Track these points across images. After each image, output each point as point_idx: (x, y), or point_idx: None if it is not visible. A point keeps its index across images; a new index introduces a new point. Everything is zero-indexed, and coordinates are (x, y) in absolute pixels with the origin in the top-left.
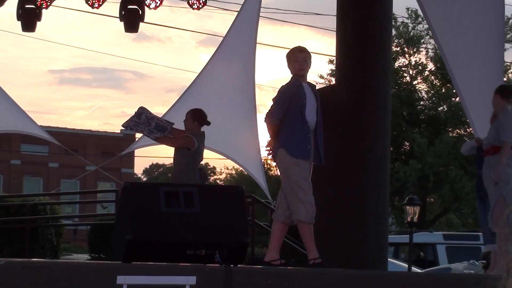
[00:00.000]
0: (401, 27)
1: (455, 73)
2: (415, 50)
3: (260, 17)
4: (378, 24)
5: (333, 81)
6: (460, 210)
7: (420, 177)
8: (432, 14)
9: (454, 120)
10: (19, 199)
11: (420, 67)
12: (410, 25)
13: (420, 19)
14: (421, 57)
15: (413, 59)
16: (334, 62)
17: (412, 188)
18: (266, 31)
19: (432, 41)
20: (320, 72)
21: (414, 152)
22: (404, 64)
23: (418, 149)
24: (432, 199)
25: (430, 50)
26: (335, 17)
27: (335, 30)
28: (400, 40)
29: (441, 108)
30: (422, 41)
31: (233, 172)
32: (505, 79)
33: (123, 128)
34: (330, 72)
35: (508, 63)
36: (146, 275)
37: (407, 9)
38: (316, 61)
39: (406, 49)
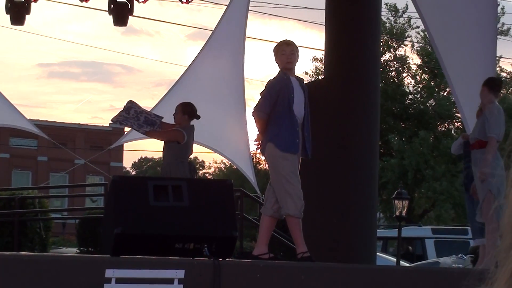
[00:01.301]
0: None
1: (447, 65)
2: (400, 43)
3: (249, 11)
4: (367, 18)
5: (318, 78)
6: (439, 209)
7: (402, 174)
8: (424, 6)
9: (441, 114)
10: (8, 193)
11: (404, 61)
12: (392, 18)
13: (401, 11)
14: (406, 50)
15: (397, 53)
16: (318, 59)
17: (391, 185)
18: (255, 25)
19: (414, 33)
20: (308, 65)
21: (394, 148)
22: (390, 58)
23: (397, 146)
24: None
25: (415, 44)
26: (324, 11)
27: (324, 24)
28: (382, 35)
29: (430, 102)
30: (406, 34)
31: (222, 166)
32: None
33: (112, 122)
34: (314, 70)
35: (497, 57)
36: (135, 269)
37: (386, 4)
38: (305, 56)
39: (390, 43)
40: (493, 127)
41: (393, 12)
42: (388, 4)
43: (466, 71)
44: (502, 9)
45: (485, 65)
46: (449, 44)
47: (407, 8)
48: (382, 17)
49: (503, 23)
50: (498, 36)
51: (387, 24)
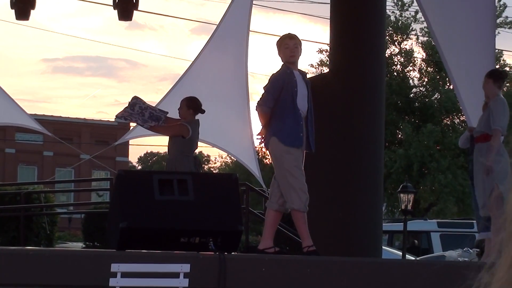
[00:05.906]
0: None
1: (447, 59)
2: (404, 37)
3: (253, 5)
4: (372, 13)
5: (323, 71)
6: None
7: (407, 165)
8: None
9: (446, 108)
10: (14, 188)
11: (409, 55)
12: (397, 12)
13: (407, 5)
14: (410, 44)
15: (402, 46)
16: (324, 51)
17: (395, 176)
18: (259, 19)
19: (419, 26)
20: (313, 59)
21: (401, 140)
22: (394, 52)
23: (405, 137)
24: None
25: (420, 37)
26: (329, 4)
27: (328, 18)
28: (388, 28)
29: (435, 96)
30: (411, 28)
31: (228, 160)
32: (497, 66)
33: (117, 117)
34: (319, 62)
35: (499, 50)
36: (140, 263)
37: None
38: (309, 50)
39: (395, 37)
40: (498, 120)
41: (399, 6)
42: None
43: (467, 64)
44: (503, 4)
45: (485, 58)
46: (449, 38)
47: (412, 1)
48: (387, 11)
49: (507, 16)
50: (503, 29)
51: (392, 18)
